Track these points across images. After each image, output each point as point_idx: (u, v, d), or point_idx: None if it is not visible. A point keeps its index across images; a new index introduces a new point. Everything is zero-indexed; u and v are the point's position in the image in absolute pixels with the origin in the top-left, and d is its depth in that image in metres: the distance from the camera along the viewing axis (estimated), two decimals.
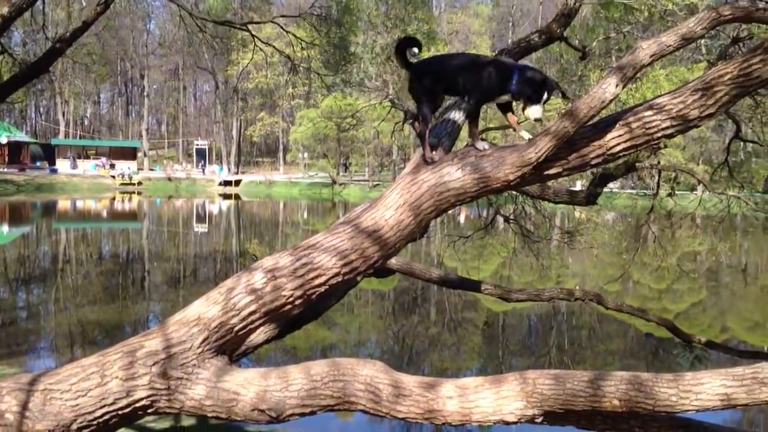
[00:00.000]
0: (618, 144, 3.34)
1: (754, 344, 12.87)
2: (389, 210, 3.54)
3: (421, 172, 3.60)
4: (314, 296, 3.55)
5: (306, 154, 65.41)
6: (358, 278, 3.83)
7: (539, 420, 3.29)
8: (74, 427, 3.24)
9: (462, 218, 32.28)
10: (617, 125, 3.33)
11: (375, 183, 55.99)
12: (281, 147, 75.90)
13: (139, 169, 65.21)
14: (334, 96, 53.43)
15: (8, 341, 11.21)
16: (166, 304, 15.22)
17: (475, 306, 15.43)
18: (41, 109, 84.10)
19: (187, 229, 34.61)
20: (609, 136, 3.34)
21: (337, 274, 3.50)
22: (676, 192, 9.79)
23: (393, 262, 6.08)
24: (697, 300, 17.96)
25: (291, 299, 3.48)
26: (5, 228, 32.40)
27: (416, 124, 3.87)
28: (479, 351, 12.50)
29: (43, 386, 3.31)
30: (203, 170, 67.57)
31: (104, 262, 22.58)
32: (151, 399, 3.34)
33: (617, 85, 3.20)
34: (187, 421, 6.71)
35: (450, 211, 4.14)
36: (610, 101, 3.21)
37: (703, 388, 3.03)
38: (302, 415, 3.37)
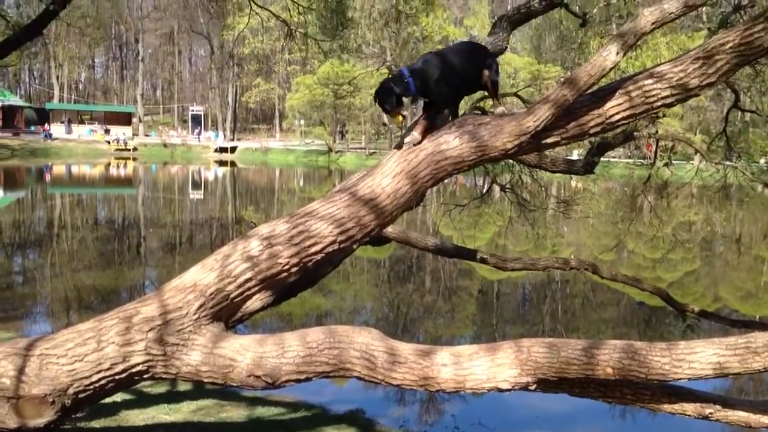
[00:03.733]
0: (617, 113, 3.31)
1: (747, 314, 12.96)
2: (386, 178, 3.51)
3: None
4: (310, 264, 3.54)
5: (302, 122, 64.87)
6: (354, 246, 3.82)
7: (533, 388, 3.31)
8: (71, 391, 3.25)
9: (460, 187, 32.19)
10: (617, 94, 3.30)
11: (371, 151, 55.76)
12: (277, 114, 75.26)
13: (134, 135, 64.65)
14: (331, 62, 52.79)
15: (4, 306, 11.23)
16: (162, 270, 15.24)
17: (470, 275, 15.49)
18: (35, 73, 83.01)
19: (183, 196, 34.53)
20: (608, 104, 3.31)
21: (333, 242, 3.48)
22: (673, 162, 9.75)
23: (389, 230, 6.07)
24: (691, 269, 18.05)
25: (287, 267, 3.47)
26: (0, 192, 32.26)
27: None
28: (474, 319, 12.58)
29: (40, 351, 3.32)
30: (199, 137, 66.98)
31: (100, 228, 22.56)
32: (147, 365, 3.36)
33: (618, 53, 3.15)
34: (183, 386, 6.76)
35: (446, 181, 4.12)
36: (611, 69, 3.17)
37: (697, 357, 3.05)
38: (298, 381, 3.38)
